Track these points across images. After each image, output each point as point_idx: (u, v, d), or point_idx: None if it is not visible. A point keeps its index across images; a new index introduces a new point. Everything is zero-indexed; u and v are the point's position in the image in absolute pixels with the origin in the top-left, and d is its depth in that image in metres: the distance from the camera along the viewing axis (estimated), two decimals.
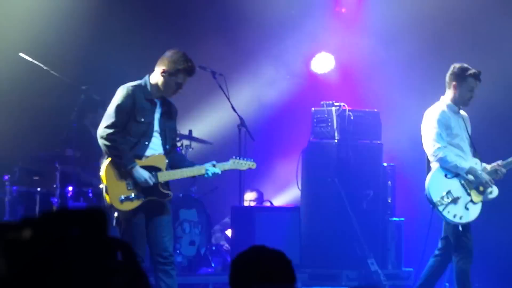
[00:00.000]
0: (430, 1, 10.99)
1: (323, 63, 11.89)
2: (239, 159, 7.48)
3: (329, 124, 9.88)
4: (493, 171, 7.66)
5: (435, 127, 7.46)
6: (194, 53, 8.94)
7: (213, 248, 10.05)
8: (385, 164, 10.04)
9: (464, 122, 7.70)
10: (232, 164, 7.38)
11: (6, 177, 9.34)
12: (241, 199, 9.86)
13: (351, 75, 11.70)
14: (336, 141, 9.80)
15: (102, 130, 6.92)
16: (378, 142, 9.99)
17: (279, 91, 11.76)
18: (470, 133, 7.75)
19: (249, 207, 10.53)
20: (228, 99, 8.79)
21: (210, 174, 7.10)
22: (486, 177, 7.50)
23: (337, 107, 9.90)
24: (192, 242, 9.55)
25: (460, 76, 7.52)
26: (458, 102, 7.60)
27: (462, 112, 7.72)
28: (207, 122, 10.95)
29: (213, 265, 9.51)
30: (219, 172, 7.22)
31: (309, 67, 11.92)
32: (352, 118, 9.91)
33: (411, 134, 10.89)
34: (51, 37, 10.36)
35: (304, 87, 11.80)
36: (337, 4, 11.93)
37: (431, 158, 7.54)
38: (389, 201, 10.10)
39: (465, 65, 7.56)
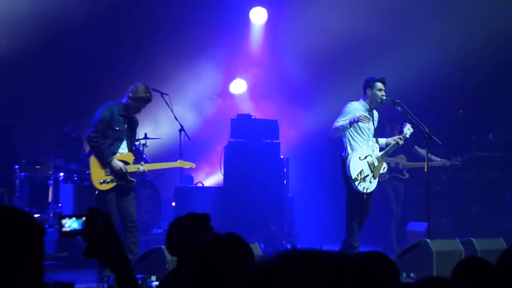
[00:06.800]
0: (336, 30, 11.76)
1: (238, 86, 13.23)
2: (184, 160, 8.21)
3: (243, 128, 10.79)
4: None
5: (339, 116, 8.17)
6: (148, 74, 10.21)
7: (162, 215, 11.06)
8: (282, 156, 11.06)
9: (373, 118, 8.27)
10: (179, 163, 8.14)
11: (17, 166, 10.12)
12: (181, 181, 11.10)
13: (258, 95, 12.92)
14: (247, 140, 10.79)
15: (88, 135, 7.57)
16: (277, 141, 11.00)
17: (208, 105, 12.94)
18: (375, 126, 8.33)
19: (187, 186, 11.49)
20: (172, 111, 9.69)
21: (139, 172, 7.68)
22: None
23: (248, 117, 10.98)
24: (147, 211, 10.51)
25: (371, 84, 8.15)
26: (372, 102, 8.16)
27: (374, 111, 8.32)
28: (157, 128, 11.83)
29: (161, 227, 10.52)
30: (146, 171, 7.82)
31: (228, 89, 13.20)
32: (258, 124, 10.97)
33: (300, 135, 12.61)
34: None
35: (225, 103, 13.08)
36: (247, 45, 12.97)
37: (331, 134, 8.17)
38: (285, 182, 11.15)
39: (372, 77, 8.27)
